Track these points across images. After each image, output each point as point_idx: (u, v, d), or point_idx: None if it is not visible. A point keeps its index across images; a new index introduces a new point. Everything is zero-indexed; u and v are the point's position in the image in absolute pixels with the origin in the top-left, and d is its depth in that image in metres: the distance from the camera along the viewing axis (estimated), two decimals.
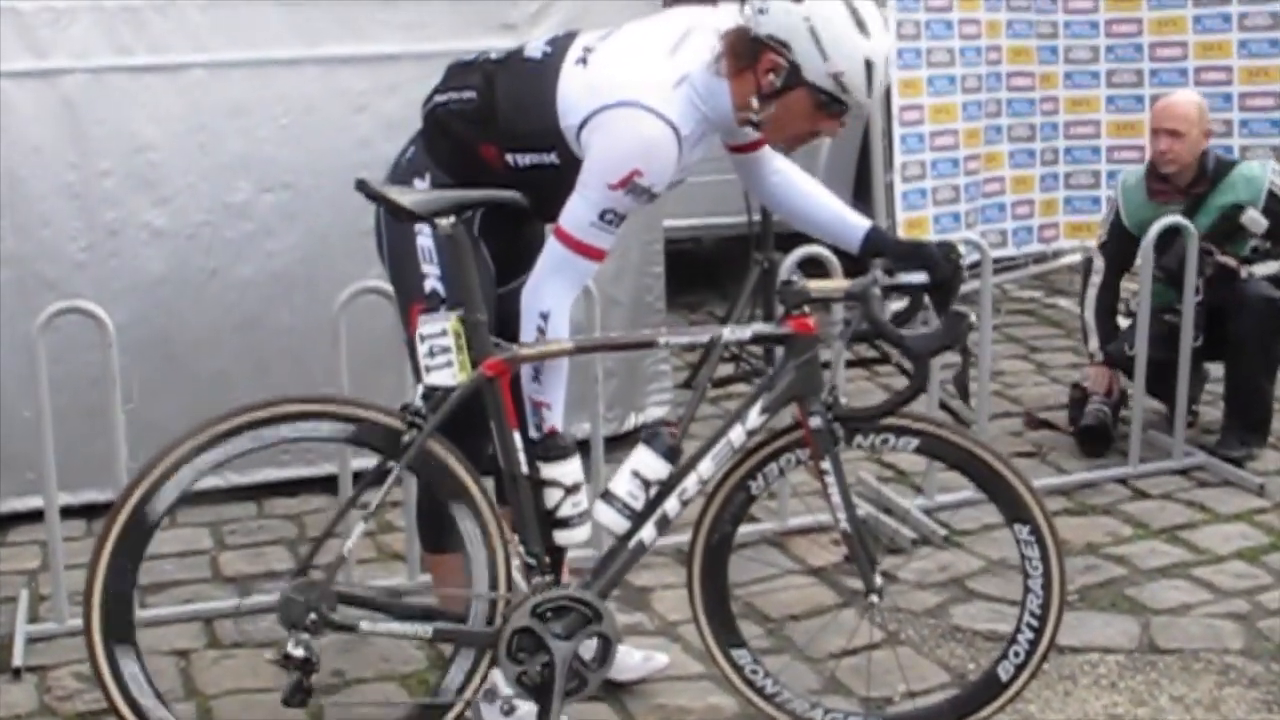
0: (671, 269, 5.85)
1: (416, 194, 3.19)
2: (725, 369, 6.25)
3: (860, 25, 3.07)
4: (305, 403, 3.15)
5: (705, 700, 3.76)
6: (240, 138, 4.95)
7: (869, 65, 3.09)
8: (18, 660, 3.97)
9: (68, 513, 4.43)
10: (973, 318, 3.31)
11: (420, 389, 3.17)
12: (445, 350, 3.12)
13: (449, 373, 3.12)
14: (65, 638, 4.04)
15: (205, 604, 4.30)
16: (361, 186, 3.12)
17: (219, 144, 4.93)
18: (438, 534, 3.44)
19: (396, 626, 3.23)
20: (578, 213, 3.18)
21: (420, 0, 5.05)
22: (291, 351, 5.03)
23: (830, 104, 3.14)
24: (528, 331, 3.22)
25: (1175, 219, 5.23)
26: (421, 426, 3.11)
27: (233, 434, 3.10)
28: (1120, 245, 5.57)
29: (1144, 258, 5.21)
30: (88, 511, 4.83)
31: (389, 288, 3.90)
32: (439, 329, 3.13)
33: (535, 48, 3.38)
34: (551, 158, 3.28)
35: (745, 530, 3.55)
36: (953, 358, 3.41)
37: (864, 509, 4.81)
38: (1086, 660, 3.96)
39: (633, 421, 5.62)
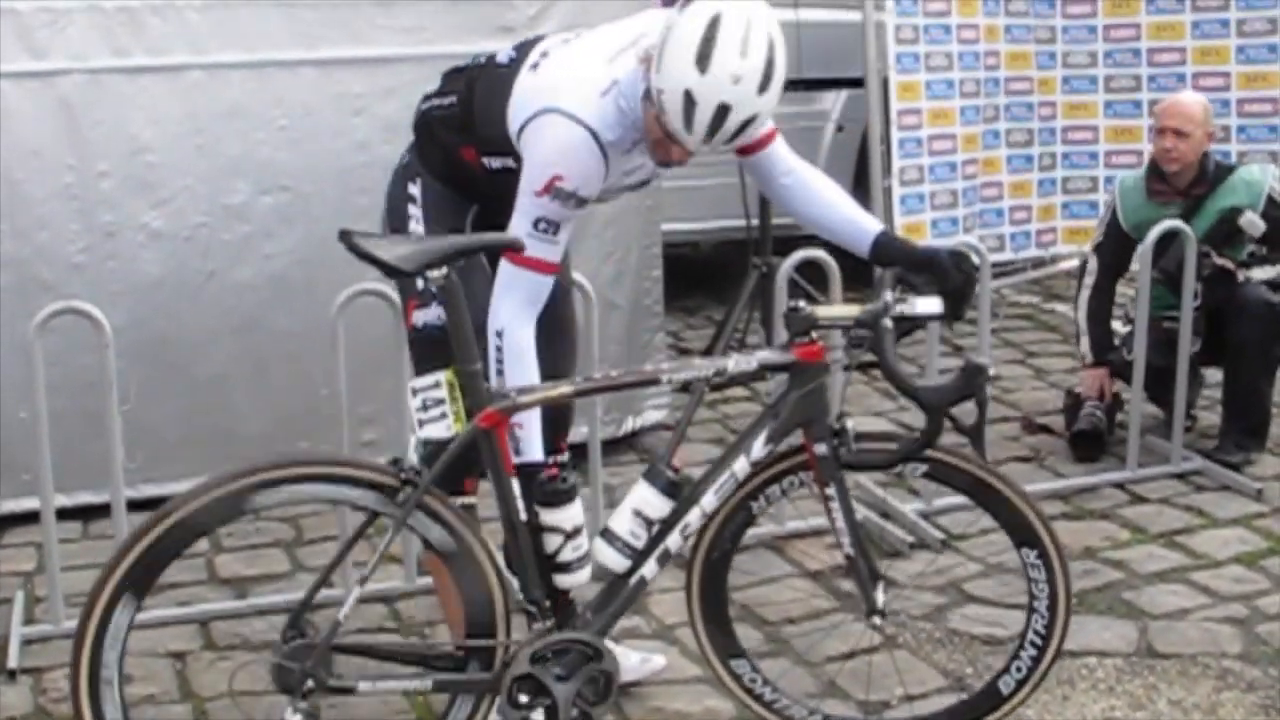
0: (669, 273, 5.85)
1: (405, 246, 3.08)
2: None
3: (702, 58, 2.95)
4: (295, 466, 3.01)
5: (702, 703, 3.76)
6: (238, 140, 4.95)
7: (689, 99, 2.97)
8: (13, 662, 3.96)
9: (64, 514, 4.43)
10: (991, 370, 3.23)
11: (413, 442, 3.09)
12: (439, 402, 3.05)
13: (444, 425, 3.06)
14: (60, 640, 4.02)
15: (202, 606, 4.29)
16: (344, 238, 3.01)
17: (217, 146, 4.93)
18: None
19: (395, 683, 3.17)
20: (515, 225, 3.17)
21: (418, 3, 5.06)
22: (289, 354, 5.03)
23: (661, 121, 3.05)
24: (489, 351, 3.18)
25: (1174, 223, 5.23)
26: (416, 483, 3.03)
27: (217, 504, 2.97)
28: (1116, 246, 5.57)
29: (1142, 262, 5.21)
30: (84, 513, 4.83)
31: (387, 289, 3.91)
32: (432, 381, 3.06)
33: (505, 53, 3.39)
34: (511, 161, 3.28)
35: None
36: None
37: (862, 513, 4.80)
38: (1084, 664, 3.95)
39: (630, 425, 5.62)
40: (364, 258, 3.01)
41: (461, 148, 3.37)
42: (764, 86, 2.99)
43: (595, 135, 3.12)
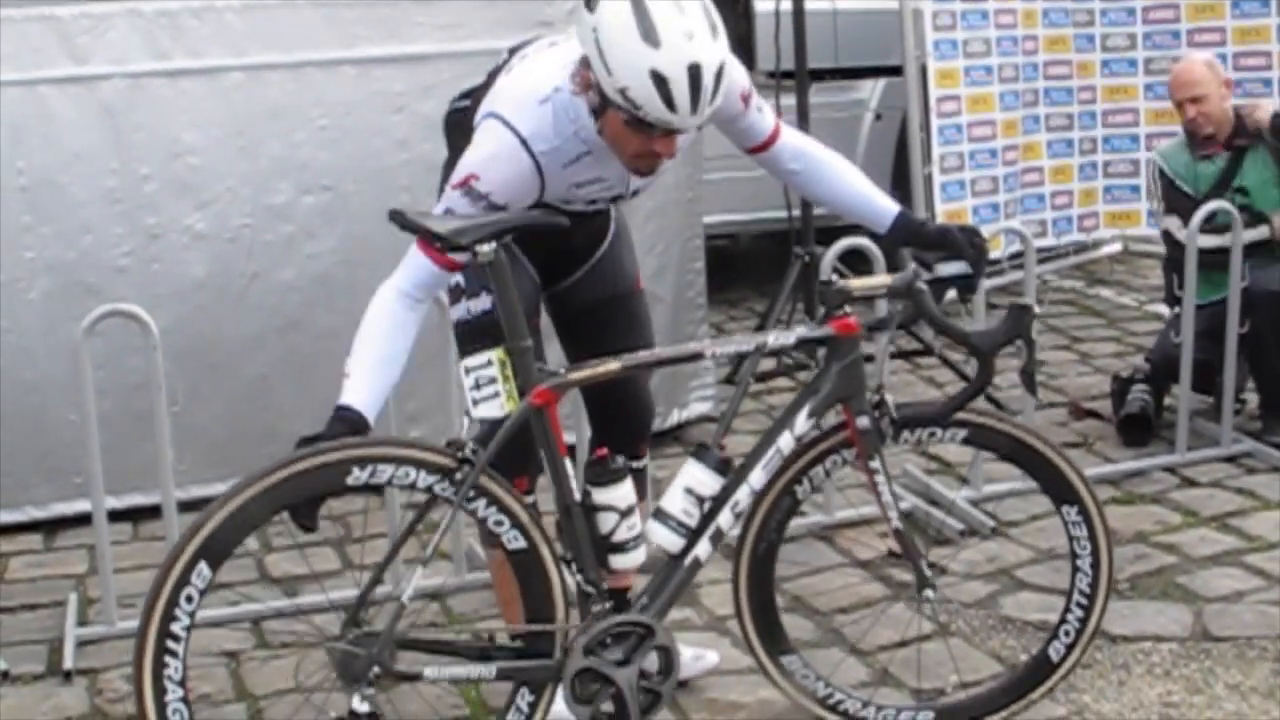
0: (710, 265, 5.84)
1: (458, 221, 3.04)
2: (767, 363, 6.23)
3: (647, 34, 2.84)
4: (349, 448, 2.98)
5: (756, 694, 3.74)
6: (279, 141, 4.97)
7: (658, 78, 2.84)
8: (68, 663, 3.98)
9: (114, 516, 4.45)
10: (1036, 309, 3.27)
11: (466, 425, 3.06)
12: (491, 381, 3.03)
13: (496, 404, 3.03)
14: (115, 640, 4.07)
15: (253, 605, 4.30)
16: (396, 217, 3.01)
17: (258, 147, 4.95)
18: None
19: (459, 670, 3.14)
20: (433, 211, 3.12)
21: (456, 0, 5.06)
22: (333, 354, 4.95)
23: (637, 122, 2.93)
24: None
25: (1220, 204, 5.18)
26: (473, 463, 3.00)
27: (274, 489, 2.93)
28: (1183, 204, 5.45)
29: (1189, 244, 5.15)
30: (134, 515, 4.86)
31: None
32: (484, 360, 3.03)
33: (503, 55, 3.36)
34: None
35: (792, 524, 3.51)
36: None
37: (910, 501, 4.79)
38: (1139, 649, 3.93)
39: (676, 418, 5.62)
40: (418, 232, 3.00)
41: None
42: (714, 30, 2.91)
43: (525, 143, 3.06)
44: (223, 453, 4.98)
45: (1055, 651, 3.47)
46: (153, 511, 4.47)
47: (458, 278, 3.38)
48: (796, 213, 6.54)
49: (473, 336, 3.39)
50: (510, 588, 3.25)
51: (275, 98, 4.95)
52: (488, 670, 3.13)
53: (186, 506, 4.41)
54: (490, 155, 3.07)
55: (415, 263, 3.09)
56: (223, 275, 4.96)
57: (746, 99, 3.29)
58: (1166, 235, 5.60)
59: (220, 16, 4.87)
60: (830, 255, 4.54)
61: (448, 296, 3.47)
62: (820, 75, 7.12)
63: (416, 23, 5.05)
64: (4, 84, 4.64)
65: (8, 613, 4.35)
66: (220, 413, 5.00)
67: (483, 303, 3.36)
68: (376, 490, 3.03)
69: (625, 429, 3.66)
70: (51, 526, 4.91)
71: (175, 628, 2.89)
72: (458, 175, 3.09)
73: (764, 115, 3.36)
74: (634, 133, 2.98)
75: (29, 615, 4.34)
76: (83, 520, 4.47)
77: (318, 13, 4.97)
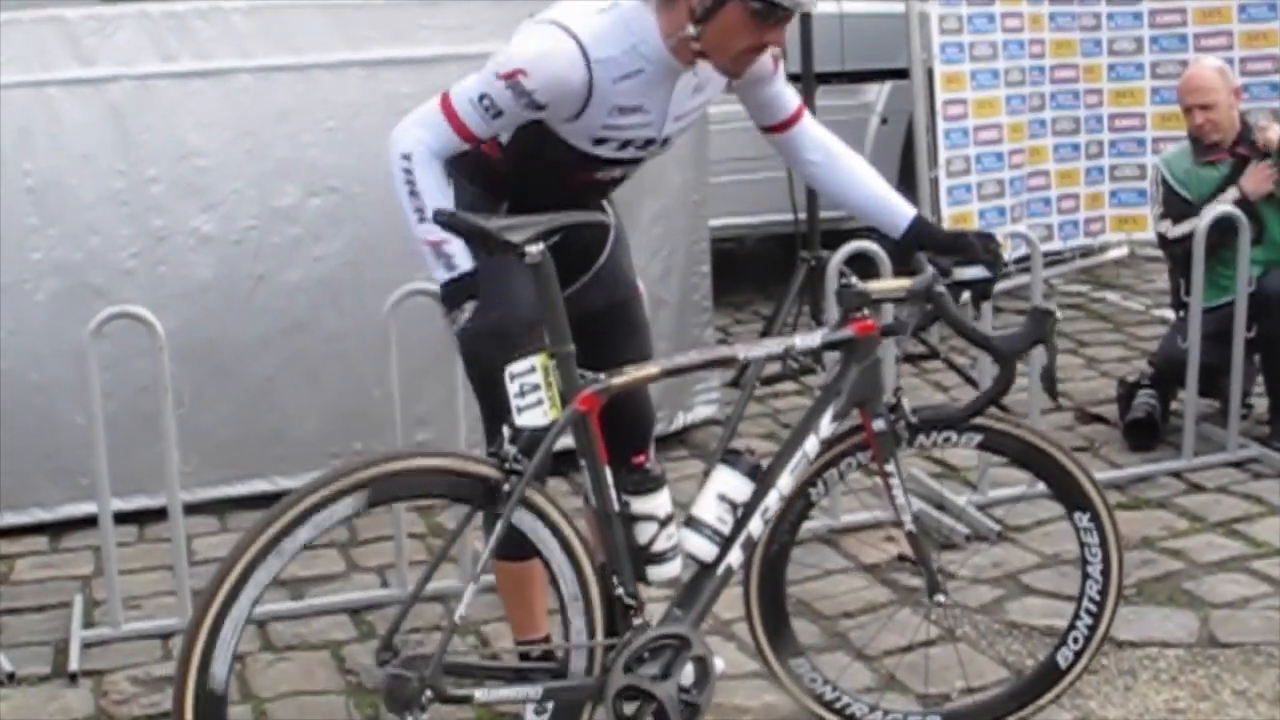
0: (715, 268, 5.83)
1: (505, 220, 3.00)
2: (771, 367, 6.21)
3: None
4: (389, 462, 2.92)
5: (761, 699, 3.74)
6: (286, 143, 4.97)
7: None
8: (74, 665, 3.98)
9: (120, 518, 4.45)
10: (1058, 313, 3.27)
11: (507, 431, 3.00)
12: (535, 388, 2.97)
13: (539, 411, 2.97)
14: (120, 642, 4.08)
15: (258, 607, 4.29)
16: (443, 216, 2.97)
17: (265, 149, 4.95)
18: (518, 538, 3.13)
19: (507, 692, 3.09)
20: (466, 84, 3.12)
21: (463, 2, 5.06)
22: (340, 356, 5.04)
23: (767, 12, 3.01)
24: (392, 171, 3.14)
25: (1227, 208, 5.18)
26: (520, 473, 2.95)
27: (318, 509, 2.87)
28: (1183, 211, 5.44)
29: (1197, 248, 5.15)
30: (140, 517, 4.86)
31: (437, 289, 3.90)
32: (527, 365, 2.97)
33: None
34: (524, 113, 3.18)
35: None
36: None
37: (917, 505, 4.77)
38: (1146, 655, 3.92)
39: (681, 421, 5.62)
40: (470, 230, 2.96)
41: (482, 144, 3.34)
42: None
43: (583, 49, 3.06)
44: (229, 455, 4.99)
45: (1063, 658, 3.47)
46: (159, 514, 4.47)
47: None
48: (802, 216, 6.53)
49: (476, 341, 3.37)
50: (519, 600, 3.21)
51: (283, 100, 4.95)
52: (534, 691, 3.08)
53: (192, 509, 4.43)
54: (544, 53, 3.07)
55: (442, 128, 3.12)
56: (229, 277, 4.96)
57: (776, 61, 3.30)
58: (1161, 239, 5.60)
59: (227, 18, 4.87)
60: (837, 259, 4.54)
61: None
62: (826, 78, 7.11)
63: (424, 25, 5.05)
64: (11, 85, 4.65)
65: (13, 614, 4.36)
66: (226, 414, 5.00)
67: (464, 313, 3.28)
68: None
69: (628, 437, 3.64)
70: (57, 528, 4.91)
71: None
72: (504, 66, 3.06)
73: (789, 90, 3.39)
74: (754, 24, 3.02)
75: (35, 617, 4.34)
76: (89, 522, 4.47)
77: (325, 15, 4.97)
